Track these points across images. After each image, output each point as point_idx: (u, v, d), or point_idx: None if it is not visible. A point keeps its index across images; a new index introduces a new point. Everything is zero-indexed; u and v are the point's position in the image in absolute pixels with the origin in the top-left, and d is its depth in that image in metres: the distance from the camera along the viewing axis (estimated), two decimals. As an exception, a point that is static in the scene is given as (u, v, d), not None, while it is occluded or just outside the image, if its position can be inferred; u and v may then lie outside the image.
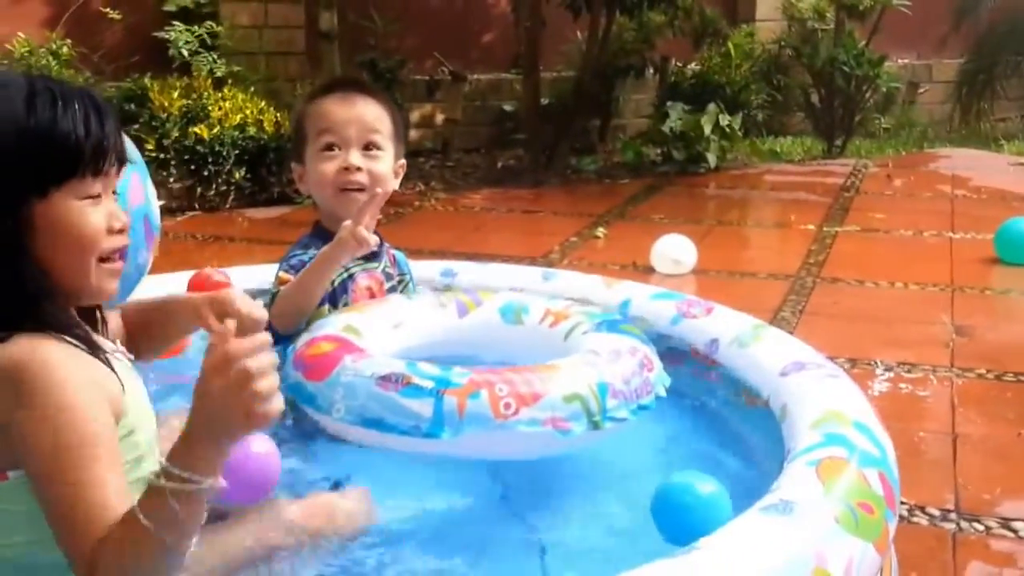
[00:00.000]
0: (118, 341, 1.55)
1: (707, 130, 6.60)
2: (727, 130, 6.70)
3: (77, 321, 1.40)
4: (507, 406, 1.73)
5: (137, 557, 1.18)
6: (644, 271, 4.13)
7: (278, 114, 5.62)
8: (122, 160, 1.41)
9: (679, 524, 1.65)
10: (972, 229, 4.95)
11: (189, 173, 5.41)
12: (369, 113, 2.23)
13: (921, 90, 9.18)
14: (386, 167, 2.23)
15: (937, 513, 2.17)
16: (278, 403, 1.18)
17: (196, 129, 5.38)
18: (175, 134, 5.36)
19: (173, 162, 5.35)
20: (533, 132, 6.79)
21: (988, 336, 3.38)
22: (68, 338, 1.33)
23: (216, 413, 1.18)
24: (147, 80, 5.61)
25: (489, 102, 7.78)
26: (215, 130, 5.40)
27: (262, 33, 6.56)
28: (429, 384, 1.75)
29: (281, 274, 2.16)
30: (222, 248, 4.66)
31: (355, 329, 2.02)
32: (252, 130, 5.49)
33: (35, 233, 1.33)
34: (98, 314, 1.50)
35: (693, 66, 7.57)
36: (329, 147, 2.20)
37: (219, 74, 5.91)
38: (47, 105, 1.33)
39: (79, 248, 1.36)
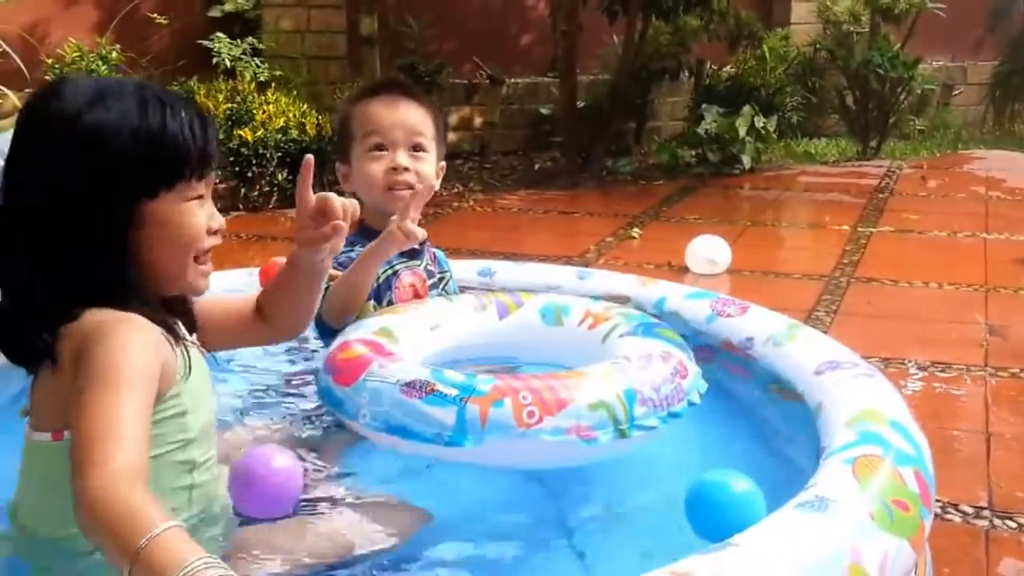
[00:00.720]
0: (194, 335, 1.60)
1: (742, 132, 6.56)
2: (762, 132, 6.66)
3: (159, 307, 1.45)
4: (530, 414, 1.69)
5: (101, 527, 1.16)
6: (679, 271, 4.11)
7: (320, 117, 5.66)
8: (219, 164, 1.48)
9: (713, 521, 1.63)
10: (1006, 230, 4.89)
11: (233, 174, 5.46)
12: (415, 116, 2.26)
13: (955, 92, 9.07)
14: (431, 168, 2.26)
15: (970, 510, 2.15)
16: None
17: (240, 132, 5.43)
18: (220, 136, 5.40)
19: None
20: (569, 134, 6.78)
21: (1022, 336, 3.34)
22: (144, 315, 1.39)
23: None
24: (193, 84, 5.68)
25: (526, 105, 7.78)
26: (259, 133, 5.44)
27: (304, 38, 6.61)
28: (453, 392, 1.71)
29: (330, 271, 2.18)
30: (265, 247, 4.70)
31: (390, 332, 1.99)
32: (294, 133, 5.53)
33: (143, 231, 1.40)
34: (182, 306, 1.57)
35: (728, 69, 7.53)
36: (377, 147, 2.22)
37: (262, 78, 5.95)
38: (157, 111, 1.39)
39: (181, 246, 1.44)
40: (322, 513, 1.67)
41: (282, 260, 2.47)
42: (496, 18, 7.82)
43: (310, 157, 1.67)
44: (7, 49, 5.20)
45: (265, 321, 1.77)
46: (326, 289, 2.13)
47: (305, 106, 5.73)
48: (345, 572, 1.55)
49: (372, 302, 2.20)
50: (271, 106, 5.61)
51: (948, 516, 2.12)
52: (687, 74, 7.40)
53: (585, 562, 1.70)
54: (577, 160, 6.69)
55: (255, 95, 5.70)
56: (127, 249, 1.39)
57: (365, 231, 2.26)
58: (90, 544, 1.25)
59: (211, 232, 1.48)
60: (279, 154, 5.47)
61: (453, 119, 7.30)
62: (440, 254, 2.44)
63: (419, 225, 2.14)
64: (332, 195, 1.67)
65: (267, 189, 5.52)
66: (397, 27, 6.96)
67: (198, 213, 1.45)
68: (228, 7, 6.10)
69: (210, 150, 1.44)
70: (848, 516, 1.38)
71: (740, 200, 6.07)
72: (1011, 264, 4.28)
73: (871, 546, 1.34)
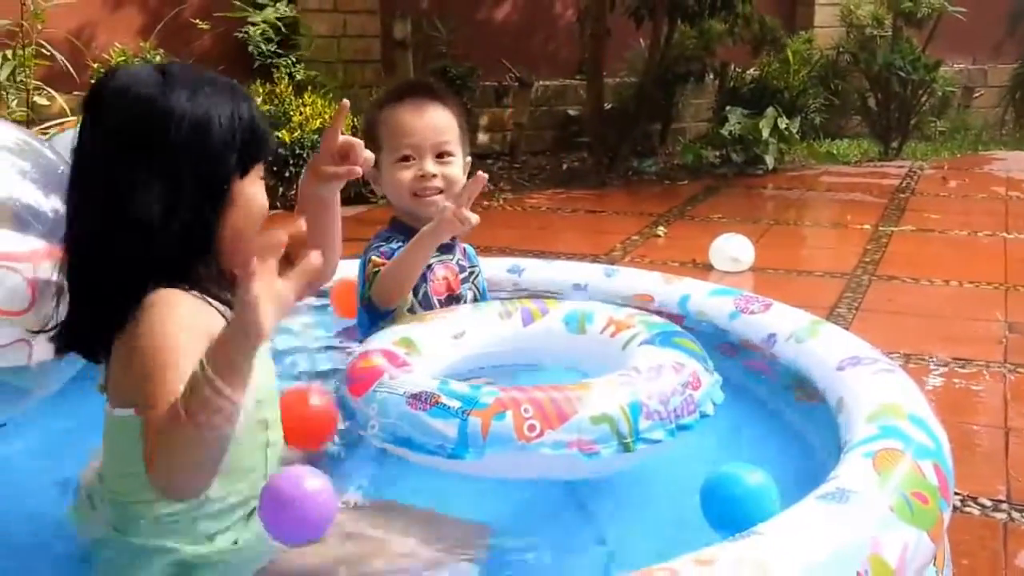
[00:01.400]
0: None
1: (765, 133, 6.53)
2: (785, 133, 6.62)
3: (220, 287, 1.49)
4: (531, 428, 1.65)
5: (170, 442, 1.22)
6: (703, 268, 4.11)
7: (355, 119, 5.68)
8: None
9: (727, 514, 1.64)
10: (1027, 230, 4.84)
11: (272, 174, 5.49)
12: (440, 121, 2.28)
13: (976, 94, 8.98)
14: (457, 170, 2.29)
15: (989, 503, 2.13)
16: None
17: (278, 133, 5.47)
18: (259, 137, 5.45)
19: (257, 163, 5.44)
20: (596, 135, 6.78)
21: (1042, 334, 3.31)
22: (201, 295, 1.44)
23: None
24: (234, 87, 5.72)
25: (555, 107, 7.78)
26: (296, 134, 5.47)
27: (340, 42, 6.63)
28: (456, 404, 1.69)
29: (374, 258, 2.21)
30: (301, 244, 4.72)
31: (411, 341, 1.98)
32: (331, 134, 5.55)
33: (231, 208, 1.48)
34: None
35: (752, 72, 7.49)
36: (405, 158, 2.25)
37: (299, 77, 5.99)
38: (243, 98, 1.49)
39: (256, 219, 1.53)
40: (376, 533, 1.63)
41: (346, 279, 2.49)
42: (525, 22, 7.82)
43: (346, 102, 1.77)
44: (55, 52, 5.26)
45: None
46: (374, 274, 2.17)
47: (341, 108, 5.75)
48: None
49: (408, 294, 2.23)
50: (308, 108, 5.64)
51: (967, 509, 2.11)
52: (712, 77, 7.36)
53: (604, 549, 1.70)
54: (604, 160, 6.69)
55: (292, 98, 5.74)
56: (212, 228, 1.46)
57: (399, 227, 2.30)
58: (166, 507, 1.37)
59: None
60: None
61: (483, 120, 7.32)
62: (470, 249, 2.47)
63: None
64: (359, 143, 1.73)
65: (304, 188, 5.54)
66: (429, 32, 6.97)
67: (263, 191, 1.56)
68: (268, 13, 6.13)
69: (269, 134, 1.56)
70: (869, 508, 1.38)
71: (763, 200, 6.04)
72: (1031, 263, 4.24)
73: (891, 537, 1.34)
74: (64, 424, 2.04)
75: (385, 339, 1.98)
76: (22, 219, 1.80)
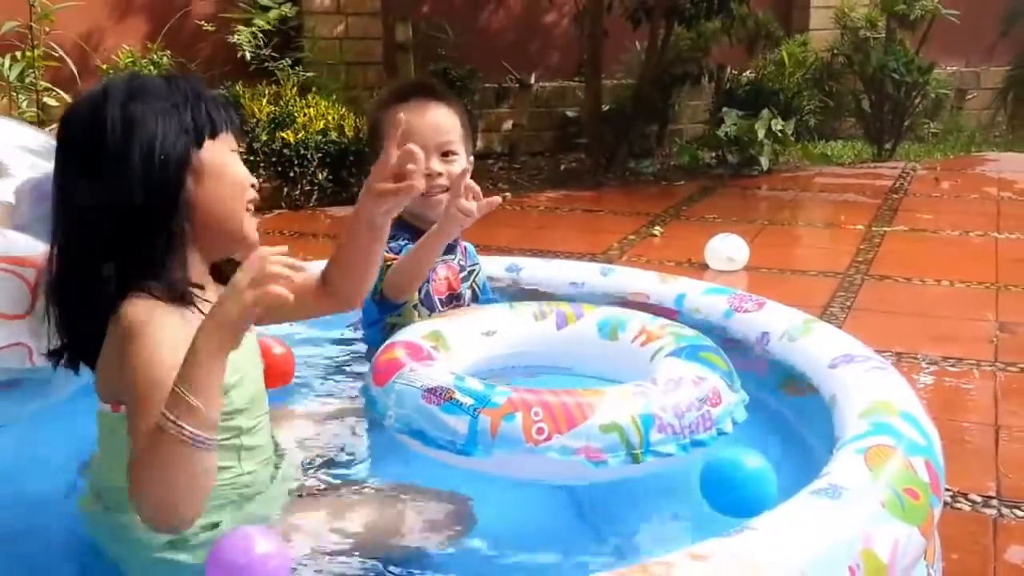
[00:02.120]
0: None
1: (760, 134, 6.52)
2: (780, 134, 6.61)
3: (187, 289, 1.49)
4: (540, 431, 1.64)
5: (153, 453, 1.28)
6: (698, 268, 4.10)
7: (357, 120, 5.68)
8: (246, 132, 1.55)
9: (727, 496, 1.65)
10: (1017, 230, 4.84)
11: (276, 174, 5.50)
12: (444, 121, 2.28)
13: (969, 96, 8.97)
14: (461, 167, 2.28)
15: (979, 499, 2.14)
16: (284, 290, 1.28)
17: (283, 134, 5.47)
18: (264, 138, 5.45)
19: (262, 164, 5.44)
20: (594, 136, 6.77)
21: (1032, 332, 3.31)
22: (181, 302, 1.45)
23: (227, 295, 1.29)
24: (239, 88, 5.72)
25: (553, 108, 7.77)
26: (300, 135, 5.47)
27: (342, 45, 6.63)
28: (469, 401, 1.69)
29: (384, 254, 2.22)
30: (306, 243, 4.73)
31: (439, 335, 1.98)
32: (334, 135, 5.55)
33: (200, 184, 1.48)
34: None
35: (748, 74, 7.49)
36: None
37: (297, 79, 5.99)
38: (183, 80, 1.51)
39: (238, 187, 1.52)
40: (370, 502, 1.67)
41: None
42: (524, 25, 7.81)
43: (402, 115, 1.72)
44: (63, 55, 5.26)
45: (328, 288, 1.78)
46: (388, 267, 2.19)
47: (343, 110, 5.76)
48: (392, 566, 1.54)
49: None
50: (311, 109, 5.64)
51: (958, 505, 2.11)
52: (708, 79, 7.36)
53: (600, 542, 1.70)
54: (602, 161, 6.68)
55: (296, 99, 5.74)
56: (176, 211, 1.45)
57: (403, 226, 2.30)
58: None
59: (251, 184, 1.56)
60: (319, 155, 5.50)
61: (483, 122, 7.31)
62: (470, 248, 2.48)
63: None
64: (420, 155, 1.69)
65: (308, 188, 5.55)
66: (435, 34, 6.98)
67: (240, 163, 1.54)
68: (272, 15, 6.12)
69: (234, 115, 1.55)
70: (860, 503, 1.38)
71: (758, 200, 6.03)
72: (1021, 263, 4.23)
73: (883, 532, 1.34)
74: (75, 414, 2.04)
75: (414, 333, 1.99)
76: (37, 223, 1.79)
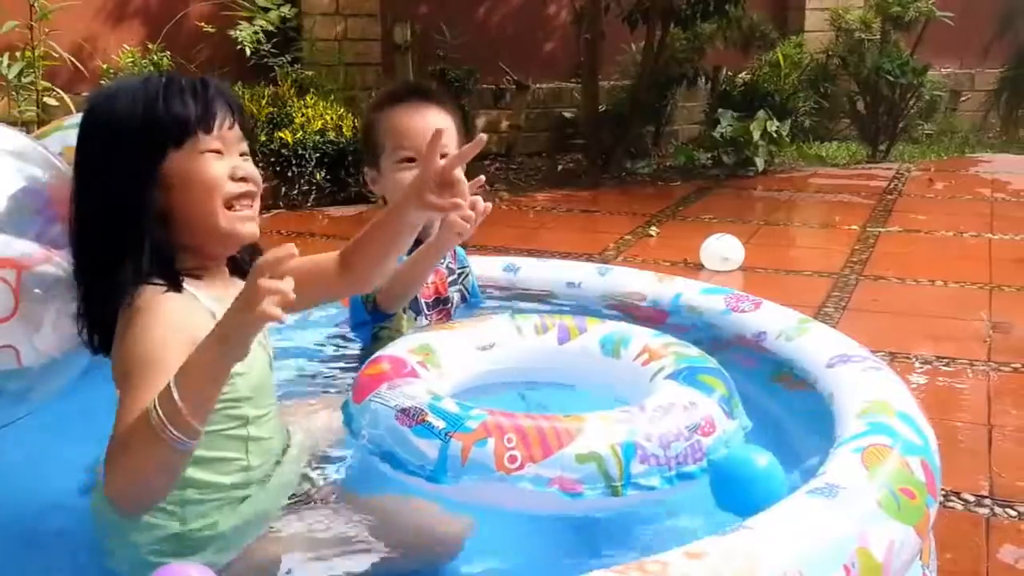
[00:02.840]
0: None
1: (756, 135, 6.52)
2: (775, 135, 6.61)
3: (179, 280, 1.50)
4: (512, 459, 1.51)
5: (131, 435, 1.29)
6: (694, 268, 4.10)
7: (355, 120, 5.68)
8: (242, 125, 1.54)
9: (738, 495, 1.61)
10: (1010, 231, 4.84)
11: (275, 174, 5.49)
12: (438, 123, 2.24)
13: (963, 98, 8.98)
14: (458, 172, 2.26)
15: (972, 499, 2.14)
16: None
17: (281, 134, 5.46)
18: (262, 138, 5.45)
19: (260, 164, 5.38)
20: (591, 137, 6.77)
21: (1025, 333, 3.31)
22: (192, 291, 1.48)
23: (231, 309, 1.27)
24: (238, 88, 5.71)
25: (550, 109, 7.77)
26: (298, 135, 5.47)
27: (341, 45, 6.62)
28: (441, 424, 1.57)
29: None
30: (304, 243, 4.71)
31: (429, 349, 1.87)
32: (332, 135, 5.55)
33: (171, 193, 1.48)
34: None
35: (743, 75, 7.49)
36: (406, 160, 2.21)
37: (295, 78, 5.98)
38: (155, 83, 1.49)
39: (203, 193, 1.49)
40: (362, 518, 1.62)
41: None
42: (522, 26, 7.81)
43: (441, 128, 1.67)
44: (64, 55, 5.25)
45: (347, 271, 1.73)
46: None
47: (342, 110, 5.75)
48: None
49: None
50: (309, 110, 5.64)
51: (951, 504, 2.11)
52: (704, 80, 7.36)
53: (601, 538, 1.69)
54: (598, 162, 6.68)
55: (295, 100, 5.73)
56: (148, 218, 1.46)
57: None
58: None
59: (235, 178, 1.51)
60: (317, 155, 5.50)
61: (481, 122, 7.30)
62: (460, 251, 2.44)
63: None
64: (462, 179, 1.66)
65: (306, 188, 5.54)
66: (429, 35, 6.97)
67: (213, 163, 1.49)
68: (272, 16, 6.11)
69: (213, 107, 1.49)
70: (857, 503, 1.38)
71: (753, 201, 6.03)
72: (1014, 263, 4.23)
73: (878, 532, 1.33)
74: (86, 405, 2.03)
75: (402, 346, 1.87)
76: (13, 223, 1.74)
